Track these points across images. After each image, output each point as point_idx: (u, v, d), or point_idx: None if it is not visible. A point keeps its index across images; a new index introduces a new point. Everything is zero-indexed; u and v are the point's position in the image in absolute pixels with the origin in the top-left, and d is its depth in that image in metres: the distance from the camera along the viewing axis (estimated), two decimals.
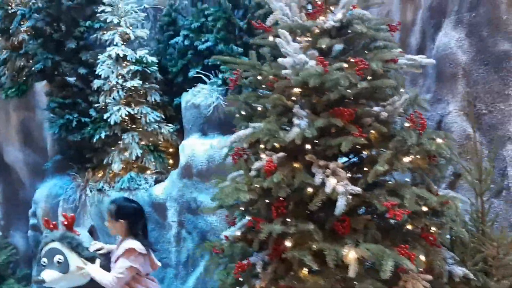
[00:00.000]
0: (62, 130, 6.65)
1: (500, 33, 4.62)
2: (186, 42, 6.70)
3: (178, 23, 6.97)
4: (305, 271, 2.94)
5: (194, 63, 6.63)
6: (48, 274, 3.63)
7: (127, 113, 6.57)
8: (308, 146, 3.14)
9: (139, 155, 6.60)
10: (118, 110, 6.56)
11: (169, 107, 7.00)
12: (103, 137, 6.61)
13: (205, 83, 6.56)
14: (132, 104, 6.75)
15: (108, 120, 6.56)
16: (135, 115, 6.70)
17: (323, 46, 3.15)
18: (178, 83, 6.89)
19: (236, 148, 3.44)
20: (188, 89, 6.68)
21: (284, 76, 3.20)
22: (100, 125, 6.68)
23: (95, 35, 6.95)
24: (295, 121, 3.07)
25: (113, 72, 6.62)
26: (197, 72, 6.55)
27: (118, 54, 6.61)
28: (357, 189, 2.89)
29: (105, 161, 6.73)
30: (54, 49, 6.87)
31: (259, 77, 3.44)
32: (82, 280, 3.69)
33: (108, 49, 6.64)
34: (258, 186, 3.08)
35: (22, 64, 7.48)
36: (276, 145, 3.15)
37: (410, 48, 5.47)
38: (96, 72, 6.67)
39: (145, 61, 6.71)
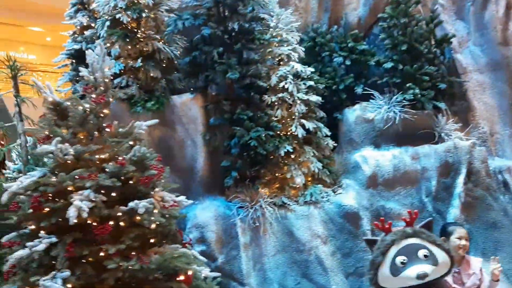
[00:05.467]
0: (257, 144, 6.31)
1: None
2: (347, 62, 7.28)
3: (329, 45, 7.44)
4: None
5: (358, 82, 7.24)
6: (427, 268, 3.90)
7: (310, 127, 6.71)
8: None
9: (320, 168, 6.75)
10: (302, 124, 6.66)
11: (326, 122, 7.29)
12: (290, 150, 6.57)
13: (366, 100, 7.22)
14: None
15: (294, 133, 6.62)
16: (311, 130, 6.83)
17: None
18: (335, 99, 7.32)
19: None
20: (347, 106, 7.25)
21: None
22: (283, 139, 6.62)
23: (268, 50, 6.84)
24: None
25: (295, 87, 6.70)
26: (364, 89, 7.19)
27: (297, 70, 6.76)
28: None
29: (288, 176, 6.63)
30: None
31: None
32: (445, 270, 4.10)
33: (290, 64, 6.74)
34: None
35: (155, 75, 6.73)
36: None
37: None
38: (278, 86, 6.67)
39: (315, 78, 6.98)
